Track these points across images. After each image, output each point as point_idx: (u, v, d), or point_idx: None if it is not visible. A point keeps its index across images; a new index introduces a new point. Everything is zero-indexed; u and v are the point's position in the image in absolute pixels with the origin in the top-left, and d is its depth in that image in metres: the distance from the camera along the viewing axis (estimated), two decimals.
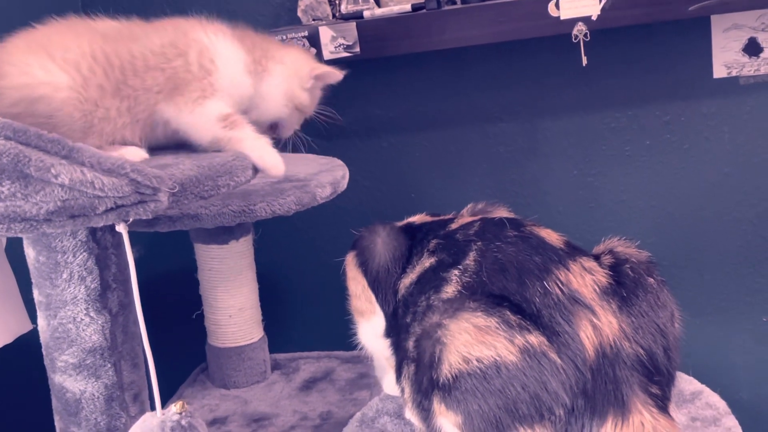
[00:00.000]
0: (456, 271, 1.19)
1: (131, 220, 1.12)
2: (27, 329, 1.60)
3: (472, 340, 1.08)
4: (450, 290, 1.18)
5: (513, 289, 1.13)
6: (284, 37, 1.92)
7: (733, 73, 2.07)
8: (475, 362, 1.08)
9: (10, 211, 1.05)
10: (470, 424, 1.10)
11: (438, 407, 1.14)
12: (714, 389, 1.41)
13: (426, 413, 1.17)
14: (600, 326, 1.10)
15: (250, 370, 1.94)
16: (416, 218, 1.44)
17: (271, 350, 2.02)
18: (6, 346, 1.56)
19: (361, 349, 1.49)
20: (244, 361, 1.93)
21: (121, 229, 1.13)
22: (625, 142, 2.15)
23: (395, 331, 1.29)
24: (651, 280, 1.19)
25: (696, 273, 2.18)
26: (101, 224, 1.10)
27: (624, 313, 1.13)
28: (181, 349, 2.02)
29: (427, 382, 1.14)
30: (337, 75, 1.53)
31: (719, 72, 2.08)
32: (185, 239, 1.92)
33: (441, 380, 1.11)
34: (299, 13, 2.04)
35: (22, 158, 1.03)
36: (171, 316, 2.08)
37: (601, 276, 1.16)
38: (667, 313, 1.18)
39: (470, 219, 1.32)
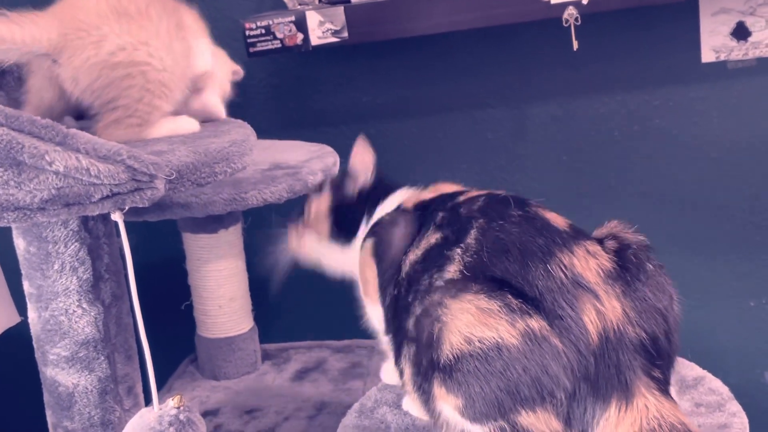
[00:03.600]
0: (458, 250, 1.17)
1: (127, 208, 1.09)
2: (15, 322, 1.57)
3: (474, 321, 1.07)
4: (452, 270, 1.15)
5: (515, 272, 1.11)
6: (271, 21, 1.89)
7: (722, 58, 2.06)
8: (477, 343, 1.07)
9: (3, 199, 1.02)
10: (471, 407, 1.09)
11: (438, 390, 1.13)
12: None
13: (426, 396, 1.16)
14: (604, 311, 1.09)
15: (240, 361, 1.92)
16: (444, 187, 1.41)
17: (261, 340, 1.99)
18: None
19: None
20: (235, 352, 1.91)
21: (117, 217, 1.10)
22: (614, 127, 2.14)
23: (396, 312, 1.26)
24: (650, 265, 1.18)
25: (684, 257, 2.18)
26: (96, 212, 1.08)
27: (628, 298, 1.12)
28: (170, 340, 1.98)
29: (426, 363, 1.14)
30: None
31: (707, 56, 2.07)
32: (173, 228, 1.89)
33: (442, 361, 1.10)
34: None
35: (15, 145, 1.00)
36: (159, 306, 2.04)
37: (606, 261, 1.14)
38: (667, 296, 1.18)
39: (477, 193, 1.29)
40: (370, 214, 1.43)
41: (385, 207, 1.41)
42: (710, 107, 2.10)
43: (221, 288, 1.87)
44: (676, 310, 1.20)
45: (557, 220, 1.19)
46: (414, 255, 1.23)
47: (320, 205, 1.46)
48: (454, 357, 1.08)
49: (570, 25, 1.81)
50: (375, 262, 1.35)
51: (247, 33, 1.90)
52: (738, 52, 2.06)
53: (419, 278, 1.20)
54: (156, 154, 1.13)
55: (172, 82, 1.30)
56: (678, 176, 2.14)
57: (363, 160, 1.44)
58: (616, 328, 1.09)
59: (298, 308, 2.33)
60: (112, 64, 1.23)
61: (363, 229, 1.42)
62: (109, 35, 1.24)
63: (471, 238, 1.17)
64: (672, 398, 1.11)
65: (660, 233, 2.15)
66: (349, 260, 1.45)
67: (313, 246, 1.49)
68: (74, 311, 1.28)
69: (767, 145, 2.09)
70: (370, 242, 1.37)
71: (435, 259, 1.18)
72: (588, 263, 1.12)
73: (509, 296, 1.08)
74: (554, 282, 1.09)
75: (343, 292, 2.31)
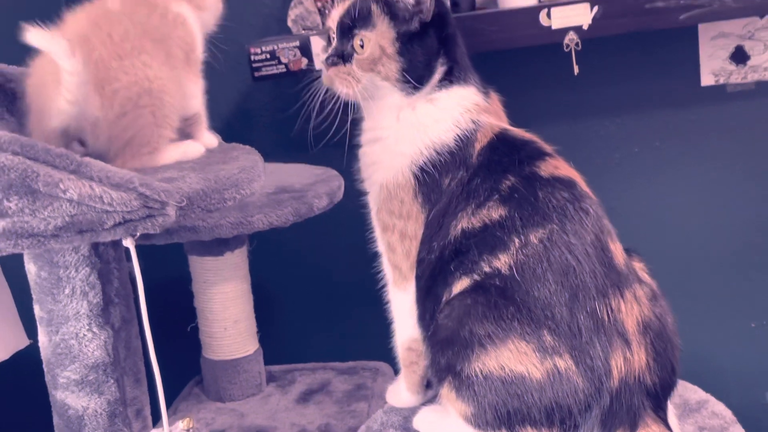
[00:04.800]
0: (517, 241, 1.14)
1: (138, 234, 1.11)
2: (24, 345, 1.58)
3: (512, 357, 1.11)
4: (503, 260, 1.14)
5: (563, 301, 1.12)
6: (276, 46, 1.92)
7: (721, 81, 2.09)
8: (507, 370, 1.11)
9: (18, 227, 1.04)
10: (481, 417, 1.14)
11: (447, 393, 1.17)
12: None
13: (435, 371, 1.20)
14: (631, 360, 1.13)
15: (245, 382, 1.93)
16: (520, 131, 1.31)
17: (266, 362, 2.00)
18: (3, 363, 1.54)
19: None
20: (240, 374, 1.92)
21: (129, 243, 1.12)
22: (614, 149, 2.16)
23: (433, 276, 1.23)
24: (670, 318, 1.22)
25: (685, 278, 2.20)
26: (109, 239, 1.09)
27: (652, 350, 1.16)
28: (176, 362, 1.99)
29: (445, 362, 1.16)
30: None
31: (707, 80, 2.10)
32: (179, 251, 1.91)
33: (465, 372, 1.13)
34: (289, 23, 2.04)
35: (30, 173, 1.02)
36: (165, 328, 2.05)
37: (646, 309, 1.18)
38: (677, 339, 1.22)
39: (564, 173, 1.21)
40: (443, 77, 1.29)
41: (452, 99, 1.29)
42: (710, 129, 2.12)
43: (227, 310, 1.88)
44: (679, 343, 1.23)
45: (618, 255, 1.18)
46: (469, 223, 1.20)
47: (383, 39, 1.27)
48: (482, 375, 1.12)
49: (571, 50, 1.83)
50: (422, 209, 1.27)
51: (252, 58, 1.92)
52: (737, 75, 2.09)
53: (468, 252, 1.18)
54: (167, 181, 1.15)
55: (174, 110, 1.33)
56: (678, 198, 2.16)
57: None
58: (637, 375, 1.14)
59: (302, 330, 2.35)
60: (132, 95, 1.26)
61: (434, 80, 1.29)
62: (131, 68, 1.27)
63: (537, 237, 1.14)
64: (669, 427, 1.16)
65: (660, 254, 2.17)
66: (402, 107, 1.30)
67: (370, 87, 1.29)
68: (84, 335, 1.30)
69: (766, 166, 2.12)
70: (413, 179, 1.27)
71: (490, 239, 1.16)
72: (632, 309, 1.15)
73: (545, 334, 1.11)
74: (596, 323, 1.12)
75: (347, 314, 2.33)
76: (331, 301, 2.33)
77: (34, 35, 1.14)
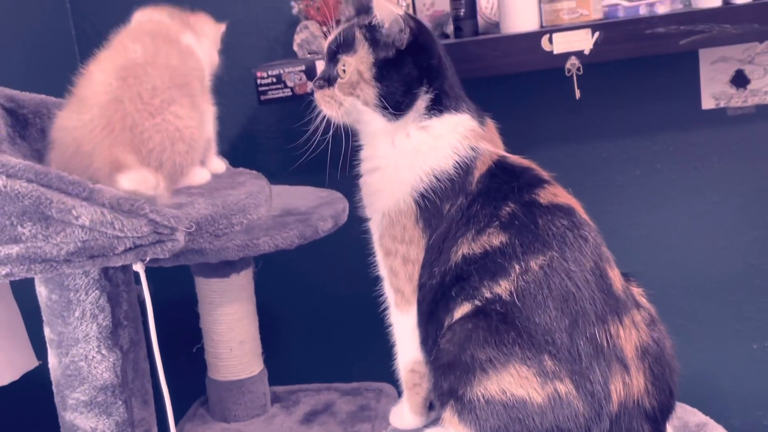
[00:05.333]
0: (518, 267, 1.16)
1: (148, 259, 1.13)
2: (33, 366, 1.60)
3: (513, 382, 1.13)
4: (504, 286, 1.16)
5: (563, 326, 1.14)
6: (282, 71, 1.94)
7: (721, 105, 2.12)
8: (509, 394, 1.13)
9: (31, 252, 1.06)
10: None
11: (450, 417, 1.19)
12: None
13: (437, 395, 1.23)
14: (630, 385, 1.16)
15: (250, 403, 1.94)
16: (518, 158, 1.33)
17: (271, 383, 2.02)
18: (13, 384, 1.56)
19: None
20: (245, 395, 1.93)
21: (139, 268, 1.14)
22: (616, 172, 2.18)
23: (435, 301, 1.25)
24: (669, 343, 1.24)
25: (686, 301, 2.21)
26: (119, 264, 1.12)
27: (650, 374, 1.18)
28: (181, 382, 2.01)
29: (447, 386, 1.19)
30: None
31: (707, 103, 2.12)
32: (185, 273, 1.93)
33: (467, 396, 1.16)
34: (295, 47, 2.06)
35: (44, 200, 1.05)
36: (171, 349, 2.07)
37: (644, 334, 1.20)
38: (675, 363, 1.24)
39: (562, 200, 1.23)
40: (431, 106, 1.30)
41: (445, 126, 1.30)
42: (710, 153, 2.14)
43: (232, 331, 1.90)
44: (678, 367, 1.25)
45: (617, 282, 1.20)
46: (469, 248, 1.22)
47: (361, 64, 1.30)
48: (484, 399, 1.14)
49: (572, 75, 1.85)
50: (423, 234, 1.29)
51: (258, 82, 1.95)
52: (737, 99, 2.11)
53: (468, 278, 1.20)
54: (176, 207, 1.17)
55: (201, 148, 1.40)
56: (679, 220, 2.18)
57: (389, 10, 1.28)
58: (636, 400, 1.16)
59: (306, 351, 2.36)
60: (165, 148, 1.31)
61: (418, 108, 1.30)
62: (163, 124, 1.32)
63: (537, 264, 1.16)
64: None
65: (662, 276, 2.19)
66: (394, 133, 1.32)
67: (353, 111, 1.32)
68: (93, 357, 1.32)
69: (767, 189, 2.14)
70: (414, 205, 1.29)
71: (491, 265, 1.19)
72: (630, 334, 1.17)
73: (546, 359, 1.13)
74: (596, 348, 1.14)
75: (351, 335, 2.35)
76: (335, 323, 2.35)
77: (127, 180, 1.18)
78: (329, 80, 1.33)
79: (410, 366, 1.34)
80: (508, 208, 1.20)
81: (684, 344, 2.21)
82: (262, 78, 1.95)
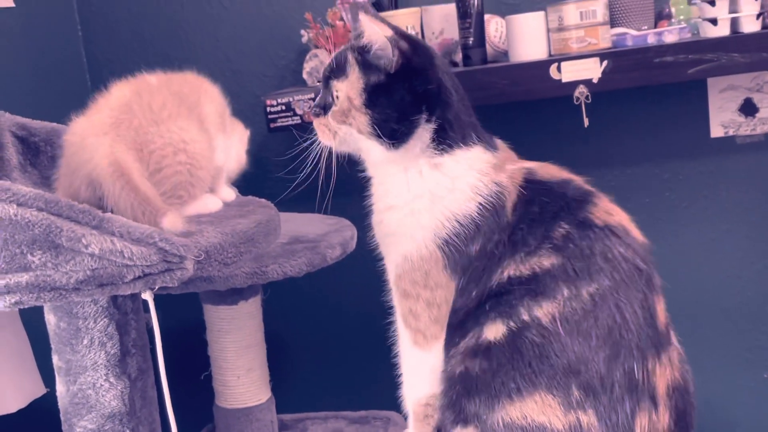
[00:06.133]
0: (566, 291, 1.12)
1: (157, 287, 1.13)
2: (41, 393, 1.60)
3: (536, 408, 1.12)
4: (547, 309, 1.12)
5: (602, 357, 1.11)
6: (291, 99, 1.95)
7: (730, 133, 2.12)
8: (529, 420, 1.12)
9: (41, 280, 1.07)
10: None
11: None
12: None
13: (454, 413, 1.20)
14: (656, 422, 1.14)
15: (258, 431, 1.93)
16: (555, 170, 1.28)
17: (278, 411, 2.01)
18: (21, 411, 1.56)
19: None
20: (252, 423, 1.92)
21: (148, 296, 1.14)
22: (625, 199, 2.14)
23: (465, 312, 1.21)
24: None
25: (696, 329, 2.20)
26: (128, 292, 1.12)
27: (675, 412, 1.17)
28: (189, 410, 2.01)
29: (471, 409, 1.17)
30: None
31: (716, 131, 2.12)
32: (193, 300, 1.93)
33: (489, 421, 1.14)
34: (304, 75, 2.08)
35: (54, 229, 1.05)
36: (179, 377, 2.07)
37: (677, 371, 1.18)
38: (695, 401, 1.23)
39: (616, 219, 1.18)
40: (438, 138, 1.23)
41: (459, 165, 1.24)
42: (719, 181, 2.14)
43: (240, 359, 1.89)
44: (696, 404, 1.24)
45: (661, 315, 1.19)
46: (516, 270, 1.17)
47: (351, 90, 1.24)
48: (503, 424, 1.13)
49: (581, 103, 1.86)
50: (452, 278, 1.22)
51: (268, 109, 1.96)
52: (746, 127, 2.11)
53: (506, 294, 1.15)
54: (185, 236, 1.17)
55: (208, 172, 1.40)
56: (688, 248, 2.17)
57: (375, 30, 1.22)
58: None
59: (314, 379, 2.35)
60: (167, 154, 1.32)
61: (422, 138, 1.23)
62: (166, 132, 1.34)
63: (588, 291, 1.12)
64: None
65: (671, 304, 2.17)
66: (404, 168, 1.26)
67: (349, 140, 1.28)
68: (102, 385, 1.31)
69: None
70: (438, 252, 1.22)
71: (535, 285, 1.14)
72: (665, 372, 1.16)
73: (574, 388, 1.11)
74: (631, 382, 1.12)
75: (358, 363, 2.34)
76: (342, 351, 2.34)
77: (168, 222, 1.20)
78: (324, 108, 1.28)
79: (425, 400, 1.30)
80: (561, 230, 1.15)
81: (693, 373, 2.20)
82: (272, 106, 1.97)
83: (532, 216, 1.18)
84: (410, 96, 1.22)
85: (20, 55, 2.02)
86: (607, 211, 1.19)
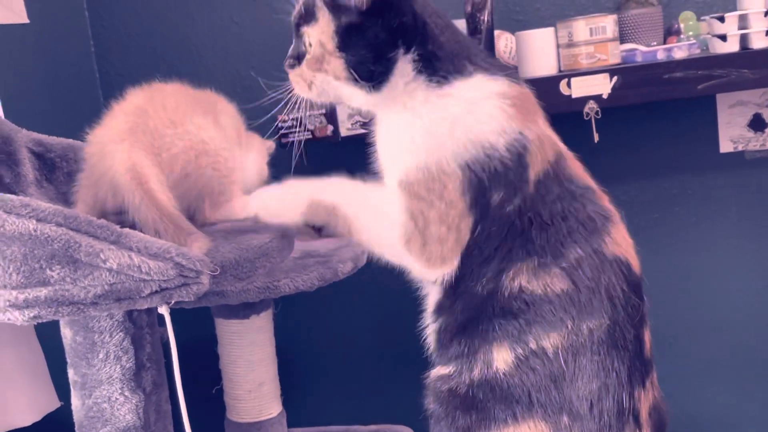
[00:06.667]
0: (570, 324, 1.12)
1: (173, 302, 1.14)
2: (55, 407, 1.61)
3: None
4: (552, 340, 1.12)
5: (594, 387, 1.13)
6: (303, 114, 1.96)
7: (739, 148, 2.13)
8: None
9: (59, 295, 1.08)
10: None
11: None
12: None
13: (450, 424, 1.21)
14: None
15: None
16: (577, 166, 1.26)
17: (289, 424, 2.01)
18: (35, 424, 1.57)
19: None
20: None
21: (164, 311, 1.15)
22: (635, 214, 2.19)
23: (475, 308, 1.18)
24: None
25: (706, 344, 2.20)
26: (145, 306, 1.13)
27: (655, 429, 1.20)
28: (200, 424, 2.01)
29: (463, 424, 1.18)
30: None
31: (725, 147, 2.13)
32: (204, 314, 1.94)
33: None
34: None
35: (73, 244, 1.06)
36: (190, 390, 2.08)
37: (657, 392, 1.23)
38: (667, 414, 1.26)
39: (623, 251, 1.18)
40: (424, 71, 1.16)
41: (470, 91, 1.17)
42: (729, 196, 2.15)
43: (252, 372, 1.90)
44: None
45: (648, 343, 1.20)
46: (528, 282, 1.15)
47: (322, 35, 1.18)
48: None
49: (591, 118, 1.87)
50: (469, 212, 1.16)
51: (279, 125, 1.97)
52: (755, 142, 2.12)
53: (518, 317, 1.14)
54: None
55: (233, 164, 1.43)
56: (697, 263, 2.18)
57: None
58: None
59: (325, 393, 2.36)
60: (190, 158, 1.35)
61: (403, 73, 1.16)
62: (185, 134, 1.36)
63: (589, 326, 1.13)
64: None
65: (679, 320, 2.18)
66: (388, 103, 1.19)
67: (327, 89, 1.22)
68: (117, 399, 1.32)
69: None
70: (459, 171, 1.15)
71: (547, 313, 1.13)
72: (648, 396, 1.19)
73: (565, 417, 1.13)
74: (619, 410, 1.14)
75: (370, 377, 2.35)
76: (354, 365, 2.35)
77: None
78: (299, 58, 1.21)
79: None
80: (575, 254, 1.14)
81: (703, 387, 2.20)
82: (284, 121, 1.98)
83: (552, 214, 1.15)
84: (384, 32, 1.15)
85: (34, 70, 2.04)
86: (618, 241, 1.19)
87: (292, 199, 1.27)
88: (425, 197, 1.16)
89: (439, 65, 1.17)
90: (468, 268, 1.17)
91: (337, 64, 1.16)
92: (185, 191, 1.32)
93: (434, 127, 1.15)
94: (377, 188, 1.23)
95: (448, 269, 1.18)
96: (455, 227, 1.16)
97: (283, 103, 1.35)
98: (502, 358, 1.15)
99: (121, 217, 1.24)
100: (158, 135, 1.31)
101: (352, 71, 1.15)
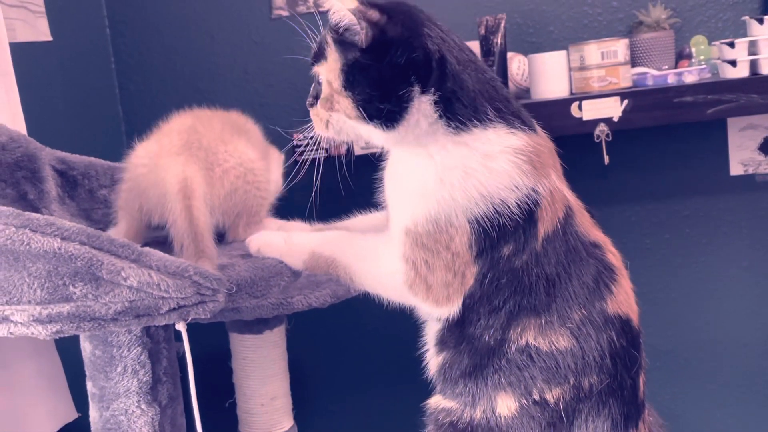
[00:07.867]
0: (572, 379, 1.16)
1: (190, 318, 1.18)
2: (72, 418, 1.64)
3: None
4: (554, 393, 1.17)
5: None
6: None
7: (750, 171, 2.14)
8: None
9: (81, 311, 1.11)
10: None
11: None
12: None
13: None
14: None
15: None
16: (586, 219, 1.24)
17: None
18: None
19: None
20: None
21: (181, 327, 1.19)
22: (645, 235, 2.21)
23: (480, 356, 1.20)
24: None
25: (716, 365, 2.22)
26: (163, 323, 1.16)
27: None
28: None
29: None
30: None
31: (736, 169, 2.15)
32: (218, 328, 1.97)
33: None
34: None
35: (95, 262, 1.10)
36: (204, 404, 2.10)
37: (647, 428, 1.26)
38: None
39: (625, 310, 1.19)
40: (446, 115, 1.12)
41: (486, 144, 1.13)
42: (739, 218, 2.16)
43: (264, 387, 1.93)
44: None
45: (642, 387, 1.24)
46: (535, 339, 1.16)
47: (330, 73, 1.15)
48: None
49: (601, 141, 1.89)
50: (474, 262, 1.16)
51: (295, 143, 2.01)
52: (765, 165, 2.14)
53: (524, 370, 1.17)
54: (218, 269, 1.22)
55: (269, 187, 1.52)
56: (708, 284, 2.19)
57: (336, 4, 1.12)
58: None
59: (337, 407, 2.38)
60: (240, 174, 1.43)
61: (424, 112, 1.12)
62: (234, 152, 1.45)
63: (588, 382, 1.17)
64: None
65: (690, 341, 2.20)
66: (410, 142, 1.15)
67: (344, 127, 1.19)
68: (133, 411, 1.35)
69: None
70: (468, 226, 1.13)
71: (552, 368, 1.16)
72: None
73: None
74: None
75: (381, 393, 2.37)
76: (365, 380, 2.37)
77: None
78: (317, 97, 1.20)
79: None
80: (578, 314, 1.15)
81: (713, 408, 2.21)
82: (300, 140, 2.01)
83: (560, 275, 1.15)
84: (390, 70, 1.10)
85: (57, 87, 2.09)
86: (620, 300, 1.19)
87: (295, 249, 1.32)
88: (431, 248, 1.16)
89: (459, 107, 1.13)
90: (476, 314, 1.18)
91: (346, 103, 1.14)
92: (230, 207, 1.40)
93: (447, 176, 1.13)
94: (376, 237, 1.25)
95: (455, 308, 1.20)
96: (461, 273, 1.16)
97: (305, 140, 1.35)
98: (505, 405, 1.19)
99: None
100: (212, 151, 1.38)
101: (360, 110, 1.13)
